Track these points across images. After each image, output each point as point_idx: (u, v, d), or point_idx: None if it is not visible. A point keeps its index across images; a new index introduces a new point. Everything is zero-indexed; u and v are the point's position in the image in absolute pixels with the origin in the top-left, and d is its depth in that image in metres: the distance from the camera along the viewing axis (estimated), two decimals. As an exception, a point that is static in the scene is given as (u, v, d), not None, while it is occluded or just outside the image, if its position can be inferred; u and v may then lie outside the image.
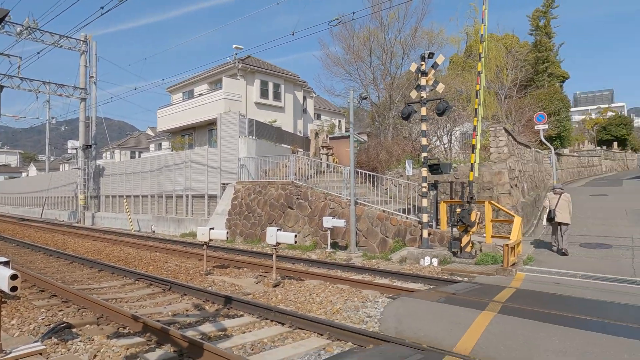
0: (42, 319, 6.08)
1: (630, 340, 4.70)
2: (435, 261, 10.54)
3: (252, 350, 5.00)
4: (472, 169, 10.49)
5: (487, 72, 18.63)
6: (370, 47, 18.75)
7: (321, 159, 21.54)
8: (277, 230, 8.18)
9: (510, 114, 23.56)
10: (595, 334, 4.96)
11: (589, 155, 43.20)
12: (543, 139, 18.23)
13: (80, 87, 28.87)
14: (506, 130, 14.70)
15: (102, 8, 14.17)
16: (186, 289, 7.89)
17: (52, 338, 5.27)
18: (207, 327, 5.78)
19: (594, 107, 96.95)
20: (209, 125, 25.31)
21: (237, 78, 25.01)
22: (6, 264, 4.42)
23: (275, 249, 8.53)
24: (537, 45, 30.81)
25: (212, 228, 9.54)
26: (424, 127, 11.51)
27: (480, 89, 10.24)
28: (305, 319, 5.90)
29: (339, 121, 39.12)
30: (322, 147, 23.65)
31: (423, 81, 11.27)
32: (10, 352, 4.47)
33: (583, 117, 78.09)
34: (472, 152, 10.42)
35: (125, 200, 24.97)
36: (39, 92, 28.34)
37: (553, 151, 18.75)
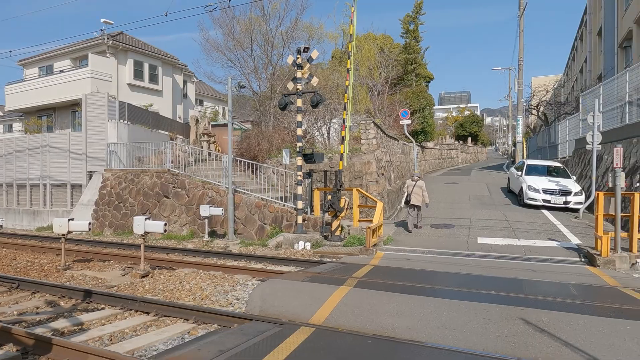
0: None
1: (451, 301, 5.72)
2: (308, 245, 11.20)
3: (111, 340, 4.87)
4: (341, 159, 11.34)
5: (361, 69, 20.06)
6: (252, 35, 18.74)
7: (202, 147, 20.97)
8: (146, 219, 7.88)
9: (383, 108, 25.71)
10: (428, 298, 5.90)
11: (449, 149, 49.20)
12: (407, 133, 20.35)
13: None
14: (375, 124, 16.09)
15: None
16: (38, 285, 7.19)
17: None
18: (61, 323, 5.42)
19: (455, 106, 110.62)
20: (73, 107, 22.70)
21: (106, 56, 22.82)
22: None
23: (144, 238, 8.22)
24: (406, 47, 33.90)
25: (72, 219, 8.76)
26: (299, 118, 12.03)
27: (349, 84, 11.08)
28: (171, 306, 5.89)
29: (223, 108, 38.23)
30: (203, 134, 23.01)
31: (299, 74, 11.75)
32: None
33: (446, 114, 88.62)
34: (342, 143, 11.25)
35: (-38, 191, 21.17)
36: None
37: (415, 144, 21.05)
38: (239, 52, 18.70)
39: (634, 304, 5.79)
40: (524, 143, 29.13)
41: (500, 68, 31.52)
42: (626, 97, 14.97)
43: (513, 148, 35.04)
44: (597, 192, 9.26)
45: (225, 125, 26.52)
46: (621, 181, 8.56)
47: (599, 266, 8.34)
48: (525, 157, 27.02)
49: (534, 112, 30.88)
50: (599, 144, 13.53)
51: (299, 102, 11.86)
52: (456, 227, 12.39)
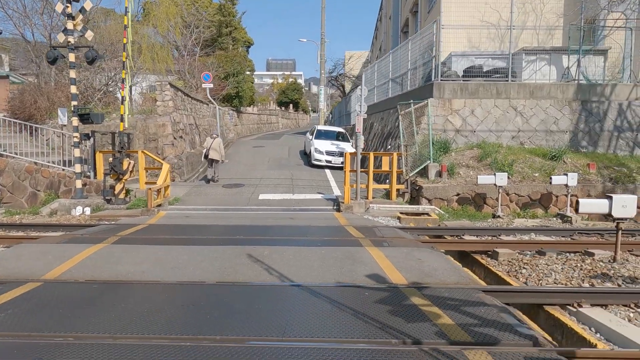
0: None
1: (197, 247, 6.49)
2: (87, 210, 10.71)
3: None
4: (122, 120, 11.01)
5: (160, 27, 19.16)
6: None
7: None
8: None
9: (192, 71, 25.17)
10: (177, 247, 6.54)
11: (269, 114, 51.22)
12: (209, 97, 20.57)
13: None
14: (172, 86, 15.83)
15: None
16: None
17: None
18: None
19: (280, 73, 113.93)
20: None
21: None
22: None
23: None
24: (221, 9, 33.35)
25: None
26: (72, 74, 11.06)
27: (127, 42, 10.66)
28: None
29: (1, 57, 31.53)
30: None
31: (70, 25, 10.72)
32: None
33: (272, 80, 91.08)
34: (122, 103, 10.89)
35: None
36: None
37: (217, 107, 21.51)
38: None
39: (344, 236, 7.56)
40: (326, 111, 32.49)
41: (305, 40, 33.70)
42: (390, 75, 18.17)
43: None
44: (345, 152, 11.33)
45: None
46: (360, 143, 10.66)
47: (341, 211, 10.37)
48: (325, 123, 30.28)
49: (335, 83, 34.46)
50: (367, 113, 16.19)
51: (72, 57, 10.88)
52: (246, 186, 13.47)
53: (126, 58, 10.66)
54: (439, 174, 11.35)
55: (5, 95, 18.63)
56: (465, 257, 7.18)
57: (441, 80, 13.22)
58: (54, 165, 12.14)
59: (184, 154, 15.84)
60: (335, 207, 10.96)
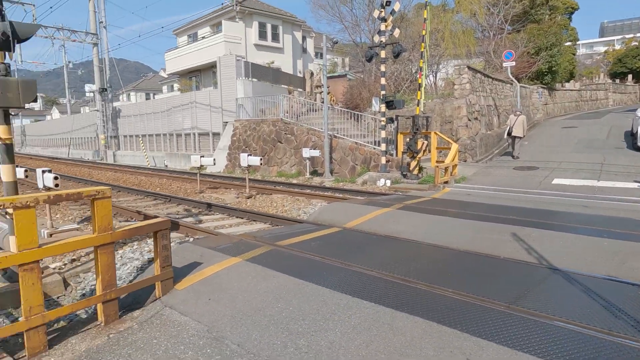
0: (77, 214, 8.71)
1: (464, 220, 6.93)
2: (388, 182, 12.77)
3: (215, 228, 7.48)
4: (418, 105, 12.35)
5: (464, 12, 19.57)
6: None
7: (315, 98, 23.33)
8: (248, 155, 10.49)
9: (498, 49, 24.42)
10: (444, 217, 7.19)
11: (595, 89, 43.21)
12: (510, 75, 19.50)
13: (92, 33, 30.53)
14: (470, 68, 16.15)
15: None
16: (181, 200, 10.44)
17: (84, 223, 7.86)
18: (189, 219, 8.28)
19: (619, 37, 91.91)
20: (212, 67, 27.00)
21: (235, 21, 26.27)
22: (49, 171, 6.85)
23: (248, 170, 10.91)
24: (537, -24, 30.33)
25: (203, 156, 11.89)
26: (382, 68, 13.22)
27: (425, 34, 11.79)
28: (258, 214, 8.34)
29: (343, 60, 39.98)
30: (317, 86, 25.29)
31: (382, 27, 12.82)
32: (59, 228, 7.03)
33: (606, 48, 75.16)
34: (419, 89, 12.21)
35: (141, 140, 27.61)
36: (54, 38, 30.24)
37: (518, 86, 20.08)
38: (340, 9, 20.00)
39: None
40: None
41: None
42: None
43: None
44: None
45: (339, 77, 28.44)
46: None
47: (661, 205, 8.24)
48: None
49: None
50: None
51: (383, 53, 13.00)
52: (540, 169, 12.51)
53: (424, 48, 11.85)
54: None
55: (342, 90, 23.86)
56: None
57: None
58: (368, 144, 14.96)
59: (478, 135, 16.02)
60: (653, 200, 8.79)
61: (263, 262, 4.76)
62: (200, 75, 29.87)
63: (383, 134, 13.34)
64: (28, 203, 3.08)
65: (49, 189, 6.69)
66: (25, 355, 3.16)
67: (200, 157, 11.76)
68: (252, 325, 3.38)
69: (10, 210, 4.52)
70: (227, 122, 21.47)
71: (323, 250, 5.36)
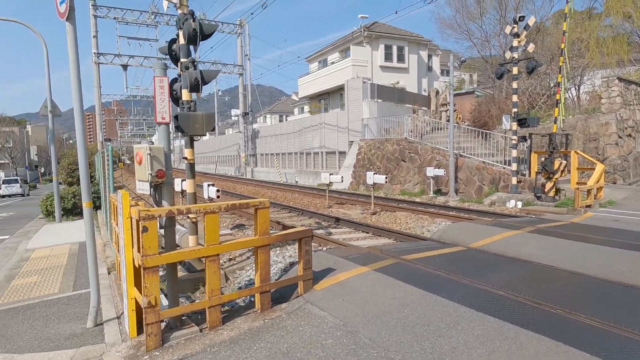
0: (229, 222, 10.27)
1: (603, 247, 6.40)
2: (519, 204, 12.11)
3: (344, 240, 8.15)
4: (555, 122, 11.54)
5: (614, 17, 17.52)
6: (481, 7, 19.25)
7: (440, 116, 23.09)
8: (374, 173, 11.06)
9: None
10: (583, 243, 6.71)
11: None
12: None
13: (238, 64, 34.98)
14: (621, 79, 14.44)
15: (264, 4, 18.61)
16: (312, 213, 11.46)
17: (235, 229, 9.26)
18: (320, 231, 9.14)
19: None
20: (340, 90, 28.66)
21: (363, 45, 27.56)
22: (212, 185, 8.33)
23: (373, 187, 11.45)
24: None
25: (332, 174, 12.86)
26: (514, 85, 12.70)
27: (564, 47, 11.05)
28: (382, 229, 8.81)
29: (470, 76, 38.59)
30: (442, 104, 24.95)
31: (515, 42, 12.38)
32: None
33: None
34: (556, 106, 11.42)
35: (275, 158, 30.45)
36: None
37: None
38: (468, 26, 19.63)
39: None
40: None
41: None
42: None
43: None
44: None
45: (465, 94, 27.63)
46: None
47: None
48: None
49: None
50: None
51: (515, 70, 12.51)
52: None
53: (563, 62, 11.12)
54: None
55: (469, 108, 23.17)
56: None
57: None
58: (496, 164, 14.37)
59: (632, 154, 14.16)
60: None
61: (390, 272, 5.20)
62: (328, 97, 31.84)
63: (514, 153, 12.74)
64: (214, 210, 4.06)
65: (211, 199, 8.15)
66: (206, 327, 4.11)
67: (329, 174, 12.72)
68: (381, 324, 3.84)
69: (191, 216, 5.77)
70: (352, 142, 22.53)
71: (447, 266, 5.58)
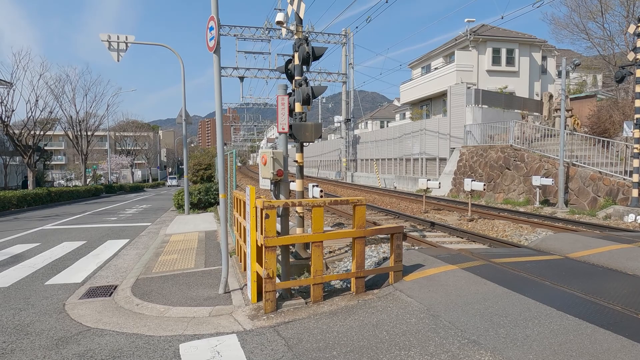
0: (331, 220, 11.21)
1: None
2: (639, 218, 11.10)
3: (436, 242, 8.52)
4: (686, 129, 10.38)
5: None
6: (602, 5, 17.62)
7: (554, 123, 21.56)
8: (471, 180, 11.12)
9: None
10: None
11: None
12: None
13: (342, 73, 36.41)
14: None
15: (368, 19, 19.44)
16: (408, 217, 11.90)
17: (335, 227, 10.16)
18: (414, 233, 9.59)
19: None
20: (443, 96, 28.29)
21: (468, 49, 26.90)
22: (316, 185, 9.31)
23: (470, 195, 11.48)
24: None
25: (429, 179, 13.13)
26: (638, 89, 11.66)
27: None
28: (477, 235, 8.96)
29: (594, 77, 34.95)
30: (556, 109, 23.20)
31: (639, 43, 11.41)
32: (319, 228, 9.41)
33: None
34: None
35: (374, 163, 31.10)
36: (315, 80, 37.45)
37: None
38: (587, 25, 18.13)
39: None
40: None
41: None
42: None
43: None
44: None
45: (585, 97, 25.29)
46: None
47: None
48: None
49: None
50: None
51: (638, 73, 11.52)
52: None
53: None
54: None
55: (588, 112, 21.25)
56: None
57: None
58: (615, 174, 13.23)
59: None
60: None
61: (476, 271, 5.55)
62: (430, 103, 31.58)
63: (636, 162, 11.70)
64: (320, 204, 4.91)
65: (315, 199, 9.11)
66: (310, 300, 4.97)
67: (427, 180, 13.01)
68: (462, 312, 4.30)
69: (299, 210, 6.74)
70: (454, 148, 22.22)
71: (537, 271, 5.72)
